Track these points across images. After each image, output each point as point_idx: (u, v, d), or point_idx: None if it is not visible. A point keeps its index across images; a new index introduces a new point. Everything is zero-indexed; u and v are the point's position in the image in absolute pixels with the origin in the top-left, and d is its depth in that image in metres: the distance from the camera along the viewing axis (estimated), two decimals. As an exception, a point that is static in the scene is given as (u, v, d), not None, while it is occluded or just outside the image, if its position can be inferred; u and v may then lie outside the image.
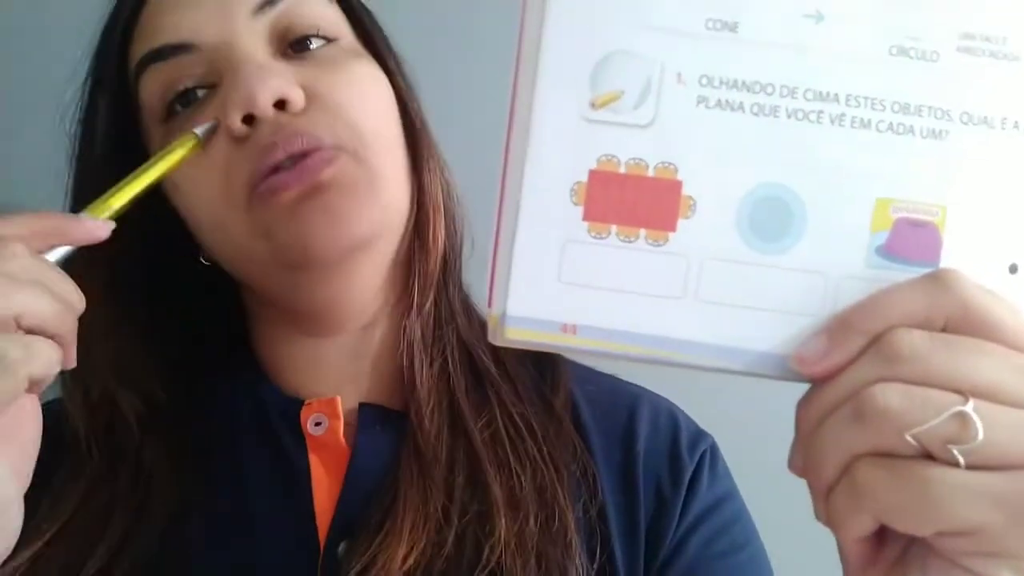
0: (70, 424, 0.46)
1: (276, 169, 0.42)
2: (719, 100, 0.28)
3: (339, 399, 0.47)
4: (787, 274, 0.28)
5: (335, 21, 0.47)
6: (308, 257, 0.43)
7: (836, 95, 0.28)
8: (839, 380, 0.27)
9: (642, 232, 0.28)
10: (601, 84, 0.28)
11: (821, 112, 0.28)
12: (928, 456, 0.25)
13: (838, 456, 0.26)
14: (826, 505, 0.27)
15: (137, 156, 0.44)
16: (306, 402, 0.47)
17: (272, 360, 0.51)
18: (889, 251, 0.28)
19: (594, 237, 0.28)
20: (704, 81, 0.28)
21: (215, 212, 0.44)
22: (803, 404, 0.28)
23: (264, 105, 0.41)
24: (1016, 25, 0.28)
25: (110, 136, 0.47)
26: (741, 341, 0.29)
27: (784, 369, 0.28)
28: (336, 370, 0.49)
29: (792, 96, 0.28)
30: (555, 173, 0.28)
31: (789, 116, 0.28)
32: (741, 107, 0.28)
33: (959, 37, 0.28)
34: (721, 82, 0.28)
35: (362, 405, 0.48)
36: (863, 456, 0.26)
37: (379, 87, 0.47)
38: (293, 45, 0.45)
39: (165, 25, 0.45)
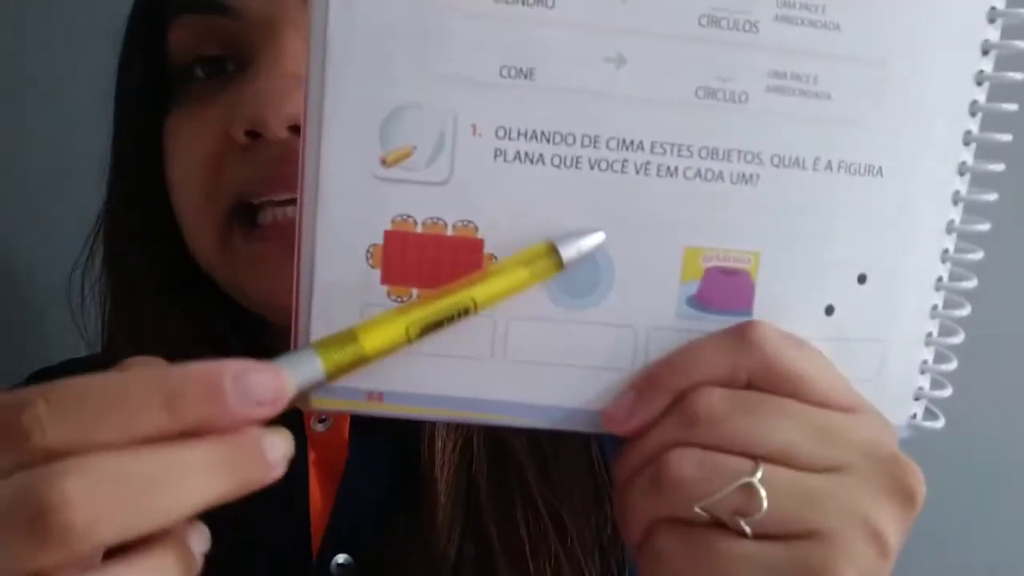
0: None
1: (263, 206, 0.38)
2: (517, 152, 0.27)
3: None
4: (596, 329, 0.28)
5: None
6: (272, 311, 0.39)
7: (641, 142, 0.27)
8: (642, 441, 0.26)
9: None
10: (391, 139, 0.26)
11: (626, 161, 0.27)
12: (723, 524, 0.25)
13: (641, 519, 0.26)
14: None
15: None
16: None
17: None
18: (700, 301, 0.28)
19: (394, 301, 0.27)
20: (501, 133, 0.26)
21: (190, 205, 0.40)
22: (616, 459, 0.28)
23: (275, 130, 0.36)
24: (825, 62, 0.27)
25: (142, 91, 0.42)
26: (552, 399, 0.28)
27: (598, 425, 0.28)
28: None
29: (595, 145, 0.27)
30: (349, 236, 0.27)
31: (592, 167, 0.27)
32: (541, 159, 0.27)
33: (769, 76, 0.27)
34: (519, 133, 0.26)
35: None
36: (661, 522, 0.26)
37: None
38: None
39: None
